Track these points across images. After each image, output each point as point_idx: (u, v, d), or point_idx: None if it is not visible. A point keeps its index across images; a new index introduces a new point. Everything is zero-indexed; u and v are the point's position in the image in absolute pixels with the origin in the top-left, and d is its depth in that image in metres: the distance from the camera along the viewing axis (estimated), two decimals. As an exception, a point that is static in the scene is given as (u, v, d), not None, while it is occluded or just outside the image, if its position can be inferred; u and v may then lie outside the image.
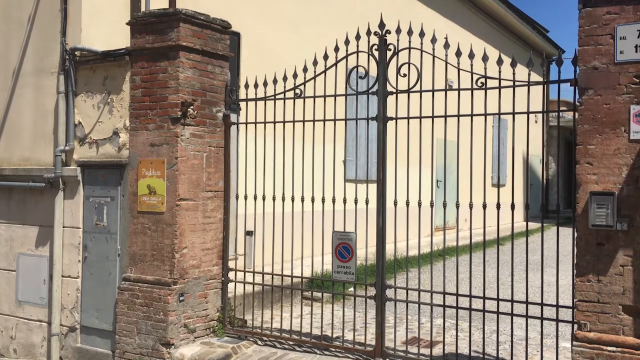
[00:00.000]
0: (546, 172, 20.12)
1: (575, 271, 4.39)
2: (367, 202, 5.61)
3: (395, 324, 5.69)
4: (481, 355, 5.32)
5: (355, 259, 5.71)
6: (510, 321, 5.09)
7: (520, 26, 17.78)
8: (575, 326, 4.53)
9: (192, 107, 6.07)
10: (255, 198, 6.26)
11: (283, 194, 6.08)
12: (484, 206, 5.19)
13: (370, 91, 5.66)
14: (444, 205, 5.38)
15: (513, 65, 5.05)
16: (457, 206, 5.25)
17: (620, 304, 4.18)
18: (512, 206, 5.01)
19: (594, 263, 4.25)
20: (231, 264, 6.53)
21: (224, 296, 6.45)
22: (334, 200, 5.80)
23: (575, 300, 4.40)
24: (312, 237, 5.83)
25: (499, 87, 5.11)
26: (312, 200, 5.91)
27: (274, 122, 6.14)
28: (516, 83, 5.03)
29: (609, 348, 4.14)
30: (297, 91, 6.02)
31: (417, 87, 5.41)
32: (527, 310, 4.97)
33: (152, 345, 6.00)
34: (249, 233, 7.33)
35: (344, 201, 5.72)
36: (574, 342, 4.32)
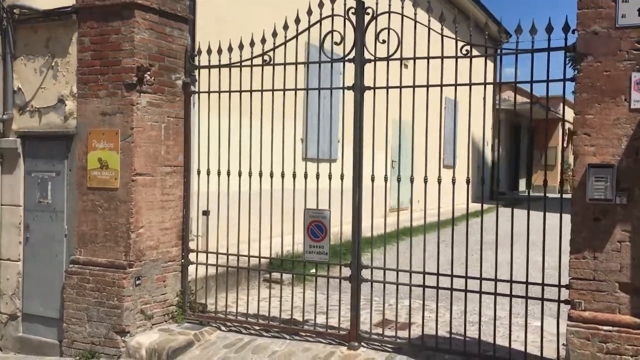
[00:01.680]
0: (495, 154, 20.39)
1: (570, 248, 4.18)
2: (342, 177, 5.24)
3: (371, 306, 5.38)
4: (461, 337, 5.09)
5: (328, 238, 5.36)
6: (494, 300, 4.87)
7: (471, 6, 17.72)
8: (567, 305, 4.36)
9: (149, 72, 5.53)
10: (218, 174, 5.78)
11: (250, 169, 5.63)
12: (467, 181, 4.95)
13: (346, 58, 5.28)
14: (425, 181, 5.08)
15: (500, 32, 4.77)
16: (439, 181, 4.96)
17: (617, 281, 4.00)
18: (498, 183, 4.76)
19: (590, 239, 4.06)
20: (191, 245, 6.06)
21: (184, 279, 5.98)
22: (305, 176, 5.40)
23: (569, 278, 4.19)
24: (282, 216, 5.43)
25: (485, 55, 4.82)
26: (282, 175, 5.49)
27: (240, 91, 5.67)
28: (503, 51, 4.77)
29: (605, 327, 3.96)
30: (266, 58, 5.57)
31: (397, 55, 5.08)
32: (511, 289, 4.77)
33: (104, 333, 5.49)
34: (205, 212, 6.86)
35: (317, 176, 5.32)
36: (568, 322, 4.13)
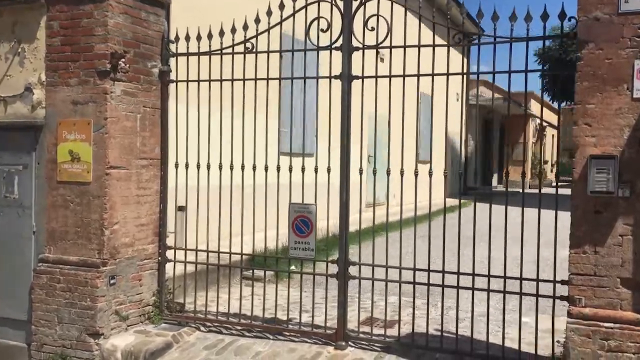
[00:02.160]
0: (465, 149, 20.47)
1: (569, 242, 4.04)
2: (329, 171, 5.02)
3: (359, 303, 5.19)
4: (452, 335, 4.93)
5: (315, 233, 5.14)
6: (487, 298, 4.72)
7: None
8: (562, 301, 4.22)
9: (123, 59, 5.22)
10: (198, 167, 5.50)
11: (231, 162, 5.36)
12: (460, 174, 4.77)
13: (333, 46, 5.05)
14: (415, 175, 4.89)
15: (494, 19, 4.59)
16: (430, 174, 4.78)
17: (618, 276, 3.86)
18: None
19: (591, 233, 3.91)
20: (169, 242, 5.76)
21: (161, 278, 5.69)
22: (290, 169, 5.17)
23: (569, 273, 4.05)
24: (265, 211, 5.18)
25: (478, 44, 4.66)
26: (266, 169, 5.24)
27: (221, 80, 5.40)
28: (497, 39, 4.61)
29: (606, 324, 3.83)
30: (248, 45, 5.31)
31: (387, 43, 4.87)
32: (505, 285, 4.62)
33: (77, 336, 5.18)
34: (181, 208, 6.56)
35: (302, 170, 5.10)
36: (568, 319, 3.98)
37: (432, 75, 4.76)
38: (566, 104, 35.24)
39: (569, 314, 3.98)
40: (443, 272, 4.80)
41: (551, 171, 35.37)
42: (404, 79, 4.83)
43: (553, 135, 34.91)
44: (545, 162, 33.59)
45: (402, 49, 4.80)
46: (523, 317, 5.01)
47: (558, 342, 4.51)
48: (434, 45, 4.75)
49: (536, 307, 4.57)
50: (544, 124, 30.98)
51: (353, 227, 5.31)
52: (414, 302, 4.95)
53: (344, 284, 5.08)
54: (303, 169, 5.09)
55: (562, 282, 4.37)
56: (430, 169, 4.77)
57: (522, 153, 25.73)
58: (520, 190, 4.59)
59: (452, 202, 11.45)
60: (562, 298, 4.35)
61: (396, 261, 5.03)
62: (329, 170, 5.02)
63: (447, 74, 4.72)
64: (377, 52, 4.94)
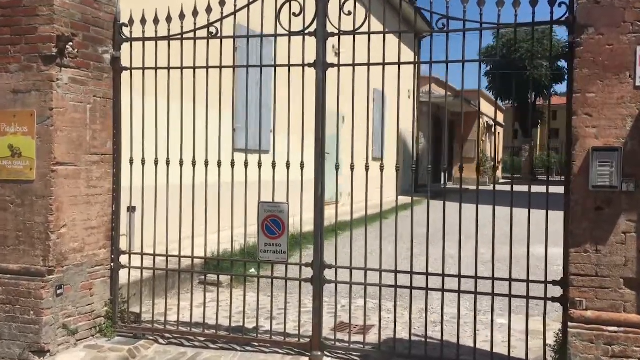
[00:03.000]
0: (417, 147, 20.41)
1: (570, 241, 3.78)
2: (302, 167, 4.62)
3: (336, 310, 4.82)
4: (436, 341, 4.63)
5: (287, 234, 4.72)
6: (474, 300, 4.44)
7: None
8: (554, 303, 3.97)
9: (71, 43, 4.66)
10: (156, 163, 5.00)
11: (194, 159, 4.89)
12: (451, 169, 4.47)
13: (306, 32, 4.66)
14: (397, 169, 4.56)
15: (480, 4, 4.31)
16: (417, 169, 4.46)
17: (621, 276, 3.63)
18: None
19: (592, 231, 3.67)
20: (123, 246, 5.23)
21: (114, 286, 5.16)
22: (259, 165, 4.74)
23: (570, 274, 3.79)
24: (232, 211, 4.75)
25: (464, 30, 4.36)
26: (232, 164, 4.79)
27: (181, 68, 4.92)
28: (484, 25, 4.33)
29: (610, 328, 3.59)
30: (212, 30, 4.85)
31: (365, 28, 4.53)
32: (493, 287, 4.35)
33: (19, 353, 4.61)
34: (130, 209, 6.02)
35: (273, 165, 4.68)
36: (570, 324, 3.72)
37: (415, 63, 4.47)
38: (510, 103, 36.26)
39: (570, 318, 3.72)
40: (427, 274, 4.49)
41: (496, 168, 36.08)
42: (383, 68, 4.49)
43: (499, 133, 35.57)
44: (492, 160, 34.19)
45: (382, 34, 4.46)
46: (498, 319, 4.79)
47: (549, 345, 4.27)
48: (414, 32, 4.47)
49: (526, 310, 4.30)
50: (491, 122, 31.47)
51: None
52: (395, 307, 4.61)
53: (319, 289, 4.69)
54: (274, 165, 4.68)
55: (553, 283, 4.14)
56: (414, 164, 4.45)
57: (471, 150, 25.87)
58: (491, 188, 4.36)
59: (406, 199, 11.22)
60: (554, 300, 4.12)
61: (371, 263, 4.69)
62: (302, 165, 4.63)
63: (430, 62, 4.43)
64: (354, 38, 4.59)
